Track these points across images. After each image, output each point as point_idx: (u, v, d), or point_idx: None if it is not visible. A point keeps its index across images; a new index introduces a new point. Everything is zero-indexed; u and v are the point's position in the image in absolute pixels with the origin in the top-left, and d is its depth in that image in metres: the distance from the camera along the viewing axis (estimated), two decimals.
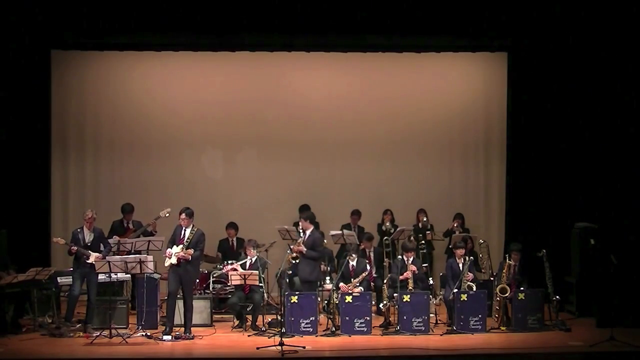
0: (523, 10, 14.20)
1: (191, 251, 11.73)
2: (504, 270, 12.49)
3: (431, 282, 13.08)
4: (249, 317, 12.35)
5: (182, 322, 11.90)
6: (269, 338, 11.52)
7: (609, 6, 13.99)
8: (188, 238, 11.81)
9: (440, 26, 14.26)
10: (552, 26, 14.36)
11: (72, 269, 12.16)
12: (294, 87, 15.74)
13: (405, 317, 12.00)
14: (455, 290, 12.20)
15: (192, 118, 15.59)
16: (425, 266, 13.47)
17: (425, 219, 14.67)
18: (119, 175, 15.50)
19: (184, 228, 11.88)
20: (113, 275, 12.09)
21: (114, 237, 13.08)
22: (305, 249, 12.36)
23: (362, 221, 14.85)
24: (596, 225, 13.79)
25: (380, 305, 12.54)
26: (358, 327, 11.99)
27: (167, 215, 13.30)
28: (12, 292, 12.02)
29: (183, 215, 11.87)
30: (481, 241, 13.42)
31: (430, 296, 12.61)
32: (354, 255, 12.62)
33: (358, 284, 12.38)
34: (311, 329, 11.95)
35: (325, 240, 13.29)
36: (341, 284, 12.37)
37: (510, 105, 15.25)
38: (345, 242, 13.82)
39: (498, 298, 12.41)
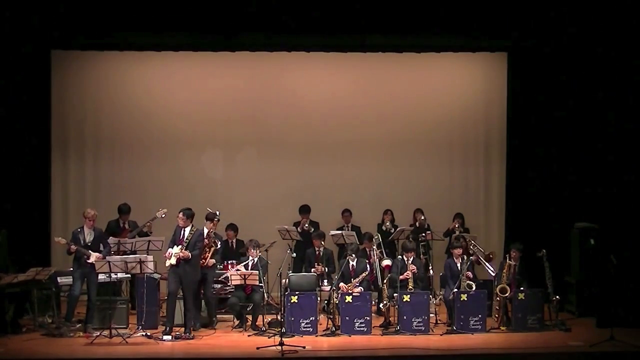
0: (523, 10, 14.20)
1: (188, 252, 11.74)
2: (504, 270, 12.50)
3: (431, 272, 12.98)
4: (249, 317, 12.35)
5: (183, 322, 11.91)
6: (269, 338, 11.52)
7: (609, 5, 13.99)
8: (187, 238, 11.82)
9: (440, 26, 14.26)
10: (552, 26, 14.36)
11: (72, 269, 12.15)
12: (294, 87, 15.75)
13: (405, 317, 12.00)
14: (455, 290, 12.21)
15: (192, 118, 15.60)
16: (426, 257, 13.44)
17: (422, 218, 14.68)
18: (118, 175, 15.51)
19: (183, 228, 11.90)
20: (113, 275, 12.08)
21: (109, 237, 13.06)
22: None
23: (362, 221, 14.86)
24: (596, 225, 13.80)
25: (381, 305, 12.54)
26: (358, 327, 11.99)
27: (163, 216, 13.31)
28: (12, 292, 12.02)
29: (181, 215, 11.89)
30: (472, 241, 13.48)
31: (430, 296, 12.62)
32: (354, 255, 12.62)
33: (358, 284, 12.38)
34: (311, 329, 11.95)
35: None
36: (341, 284, 12.37)
37: (510, 105, 15.25)
38: (345, 242, 13.83)
39: (498, 298, 12.41)
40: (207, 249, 12.40)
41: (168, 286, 11.93)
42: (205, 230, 12.45)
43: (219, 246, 12.78)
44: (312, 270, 13.37)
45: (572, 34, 14.37)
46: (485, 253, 13.35)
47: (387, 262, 13.13)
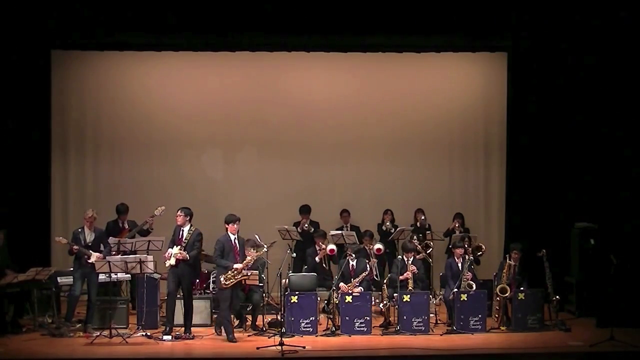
0: (523, 10, 14.21)
1: (186, 254, 11.73)
2: (504, 270, 12.50)
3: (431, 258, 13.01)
4: (249, 317, 12.35)
5: (182, 322, 11.91)
6: (269, 338, 11.52)
7: (609, 6, 13.99)
8: (186, 238, 11.84)
9: (441, 26, 14.26)
10: (552, 26, 14.36)
11: (72, 269, 12.16)
12: (294, 87, 15.76)
13: (405, 317, 12.01)
14: (455, 290, 12.21)
15: (192, 118, 15.60)
16: (426, 242, 13.61)
17: (423, 218, 14.67)
18: (119, 175, 15.51)
19: (182, 228, 11.91)
20: (113, 275, 12.08)
21: (109, 237, 13.05)
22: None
23: (362, 221, 14.86)
24: (596, 225, 13.80)
25: (381, 305, 12.54)
26: (358, 327, 11.99)
27: (162, 213, 13.31)
28: (12, 292, 12.04)
29: (179, 212, 11.93)
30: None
31: (430, 296, 12.63)
32: (354, 255, 12.62)
33: (358, 284, 12.38)
34: (311, 329, 11.96)
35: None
36: (341, 284, 12.37)
37: (510, 106, 15.24)
38: (345, 242, 13.82)
39: (498, 298, 12.41)
40: (236, 273, 11.60)
41: (167, 286, 11.93)
42: (244, 246, 11.89)
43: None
44: (318, 255, 13.37)
45: (571, 34, 14.37)
46: (476, 244, 13.47)
47: (378, 245, 13.15)
